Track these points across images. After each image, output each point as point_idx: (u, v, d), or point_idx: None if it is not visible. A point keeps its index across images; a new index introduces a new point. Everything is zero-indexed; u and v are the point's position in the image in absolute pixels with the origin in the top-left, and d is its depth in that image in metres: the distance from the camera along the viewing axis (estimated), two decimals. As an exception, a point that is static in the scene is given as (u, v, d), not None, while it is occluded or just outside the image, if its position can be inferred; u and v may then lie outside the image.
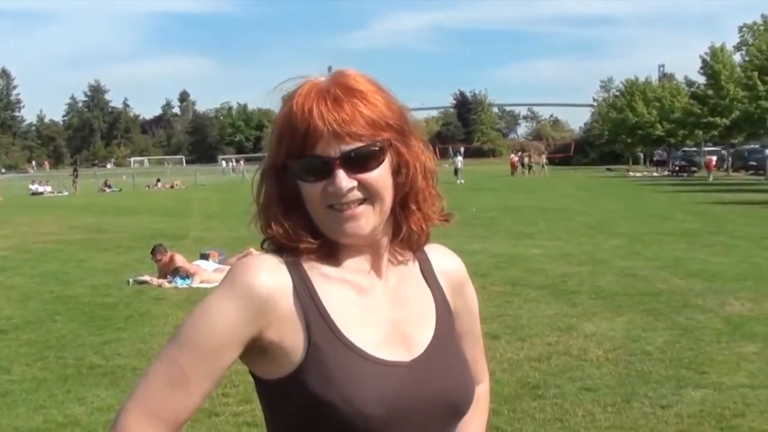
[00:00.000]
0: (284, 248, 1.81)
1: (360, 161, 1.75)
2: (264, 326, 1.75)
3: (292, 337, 1.75)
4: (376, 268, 1.88)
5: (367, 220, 1.78)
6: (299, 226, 1.81)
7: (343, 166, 1.74)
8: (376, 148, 1.77)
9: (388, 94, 1.84)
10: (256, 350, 1.77)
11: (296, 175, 1.78)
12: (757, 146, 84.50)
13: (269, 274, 1.76)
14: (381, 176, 1.78)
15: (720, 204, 34.83)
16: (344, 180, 1.74)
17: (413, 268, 1.97)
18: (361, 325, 1.80)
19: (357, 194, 1.76)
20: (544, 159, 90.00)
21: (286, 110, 1.78)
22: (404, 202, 1.85)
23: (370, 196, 1.77)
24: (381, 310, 1.85)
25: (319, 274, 1.81)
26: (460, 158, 67.43)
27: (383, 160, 1.78)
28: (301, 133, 1.74)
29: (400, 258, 1.93)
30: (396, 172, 1.81)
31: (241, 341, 1.74)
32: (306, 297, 1.78)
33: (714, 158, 70.80)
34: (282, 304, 1.76)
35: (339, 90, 1.76)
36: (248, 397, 7.58)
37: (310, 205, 1.79)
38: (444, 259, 2.04)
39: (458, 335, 2.00)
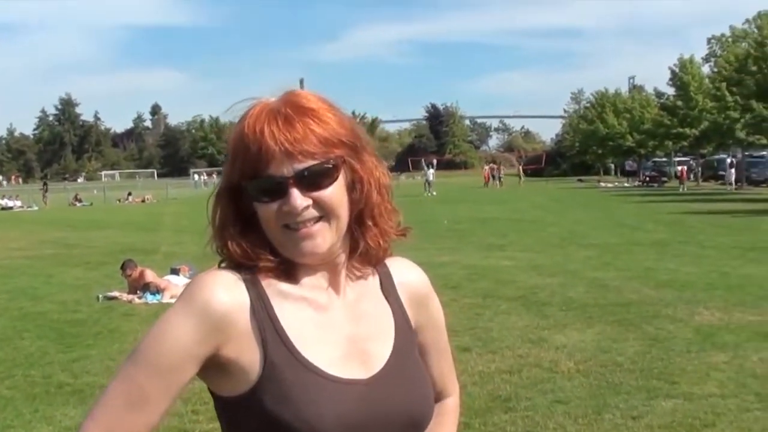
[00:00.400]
0: (242, 266, 1.79)
1: (314, 179, 1.74)
2: (221, 343, 1.73)
3: (249, 355, 1.74)
4: (334, 284, 1.86)
5: (324, 237, 1.77)
6: (257, 245, 1.79)
7: (296, 185, 1.73)
8: (330, 166, 1.76)
9: (340, 112, 1.83)
10: (213, 368, 1.76)
11: (251, 196, 1.77)
12: (726, 156, 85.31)
13: (226, 291, 1.74)
14: (335, 193, 1.77)
15: (690, 214, 35.00)
16: (298, 199, 1.73)
17: (373, 283, 1.95)
18: (319, 342, 1.79)
19: (312, 212, 1.75)
20: (521, 170, 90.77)
21: (238, 131, 1.77)
22: (360, 218, 1.84)
23: (325, 213, 1.76)
24: (339, 327, 1.84)
25: (276, 291, 1.80)
26: (432, 170, 67.58)
27: (337, 177, 1.77)
28: (254, 154, 1.73)
29: (358, 273, 1.92)
30: (351, 188, 1.81)
31: (198, 358, 1.73)
32: (263, 315, 1.76)
33: (687, 168, 71.42)
34: (239, 321, 1.74)
35: (290, 109, 1.75)
36: (218, 413, 7.52)
37: (266, 225, 1.78)
38: (406, 273, 2.02)
39: (420, 349, 1.98)
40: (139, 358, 1.74)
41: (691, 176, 73.69)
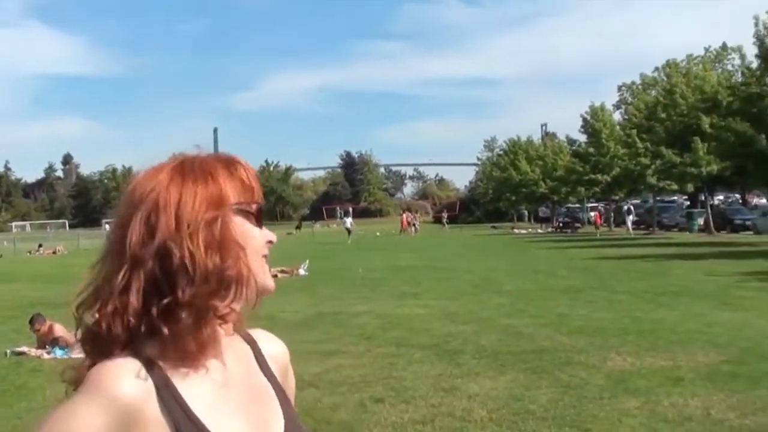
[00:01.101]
0: (129, 345, 1.65)
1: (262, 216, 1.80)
2: None
3: None
4: (223, 356, 1.76)
5: None
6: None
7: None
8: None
9: None
10: None
11: (248, 219, 1.75)
12: (638, 201, 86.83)
13: (131, 381, 1.61)
14: None
15: (602, 259, 35.41)
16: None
17: (248, 354, 1.88)
18: (227, 418, 1.71)
19: None
20: (444, 216, 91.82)
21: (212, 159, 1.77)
22: None
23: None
24: (239, 401, 1.76)
25: (176, 372, 1.67)
26: (348, 219, 67.66)
27: None
28: (241, 181, 1.75)
29: (233, 344, 1.83)
30: None
31: None
32: (170, 400, 1.64)
33: (598, 214, 72.53)
34: (148, 410, 1.61)
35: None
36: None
37: (253, 253, 1.74)
38: (271, 344, 1.95)
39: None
40: None
41: (604, 222, 74.76)
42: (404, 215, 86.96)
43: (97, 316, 1.66)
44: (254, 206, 1.76)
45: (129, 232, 1.65)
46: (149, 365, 1.64)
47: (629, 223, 65.87)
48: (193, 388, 1.68)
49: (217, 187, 1.70)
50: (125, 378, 1.60)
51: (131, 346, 1.64)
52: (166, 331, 1.63)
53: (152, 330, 1.63)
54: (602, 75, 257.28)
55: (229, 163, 1.76)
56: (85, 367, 1.65)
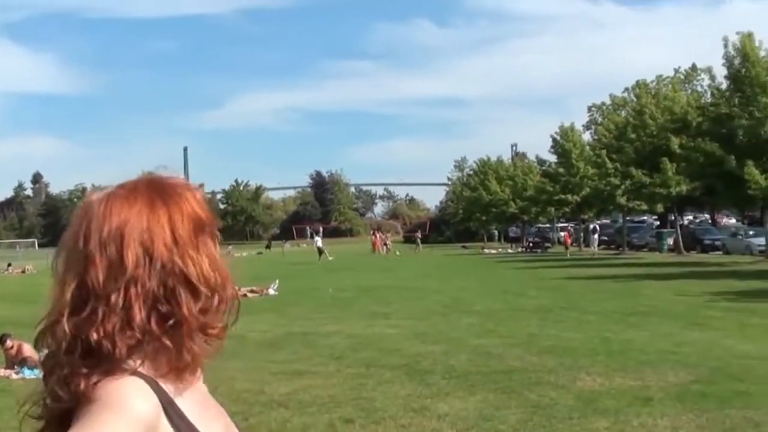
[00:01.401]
0: (128, 363, 1.65)
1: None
2: None
3: None
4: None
5: None
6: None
7: None
8: None
9: None
10: None
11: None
12: (608, 221, 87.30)
13: (147, 399, 1.63)
14: None
15: (572, 279, 35.52)
16: None
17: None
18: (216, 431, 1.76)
19: None
20: (418, 237, 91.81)
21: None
22: None
23: None
24: (215, 416, 1.81)
25: (174, 388, 1.70)
26: (318, 238, 67.54)
27: None
28: (201, 204, 1.77)
29: None
30: None
31: None
32: (176, 417, 1.67)
33: (569, 234, 72.80)
34: (161, 429, 1.63)
35: None
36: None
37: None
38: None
39: None
40: None
41: (572, 241, 74.99)
42: (377, 235, 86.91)
43: (97, 334, 1.63)
44: (217, 231, 1.79)
45: (125, 253, 1.65)
46: (152, 383, 1.66)
47: (595, 243, 66.54)
48: (188, 403, 1.71)
49: (194, 209, 1.73)
50: (141, 397, 1.62)
51: (131, 363, 1.65)
52: (170, 345, 1.66)
53: (155, 346, 1.66)
54: (572, 95, 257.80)
55: (193, 187, 1.78)
56: (82, 385, 1.61)
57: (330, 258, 59.90)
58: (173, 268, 1.66)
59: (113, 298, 1.63)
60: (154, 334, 1.64)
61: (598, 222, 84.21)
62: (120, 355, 1.63)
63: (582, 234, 78.06)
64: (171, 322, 1.65)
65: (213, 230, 1.77)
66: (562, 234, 76.22)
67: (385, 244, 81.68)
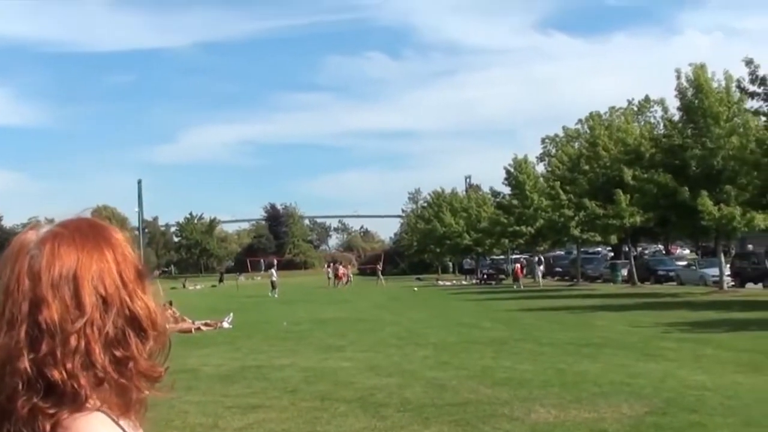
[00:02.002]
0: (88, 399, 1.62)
1: None
2: None
3: None
4: None
5: None
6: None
7: None
8: None
9: None
10: None
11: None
12: (562, 253, 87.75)
13: None
14: None
15: (527, 311, 35.58)
16: None
17: None
18: None
19: None
20: (379, 269, 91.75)
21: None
22: None
23: None
24: None
25: (126, 423, 1.69)
26: (273, 270, 67.24)
27: None
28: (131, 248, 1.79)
29: None
30: None
31: None
32: None
33: (520, 266, 73.07)
34: None
35: None
36: None
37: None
38: None
39: None
40: None
41: (525, 273, 75.28)
42: (339, 267, 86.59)
43: (59, 373, 1.60)
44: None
45: (82, 295, 1.64)
46: (114, 420, 1.66)
47: (539, 275, 67.12)
48: None
49: (131, 253, 1.75)
50: None
51: (92, 401, 1.63)
52: (126, 384, 1.66)
53: (112, 386, 1.65)
54: (525, 127, 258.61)
55: (122, 232, 1.79)
56: (48, 426, 1.58)
57: (275, 296, 58.62)
58: (123, 310, 1.66)
59: (72, 340, 1.61)
60: (112, 375, 1.63)
61: (552, 254, 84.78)
62: (85, 394, 1.61)
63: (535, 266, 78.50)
64: (124, 363, 1.65)
65: (148, 273, 1.77)
66: (516, 266, 76.61)
67: (347, 275, 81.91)
